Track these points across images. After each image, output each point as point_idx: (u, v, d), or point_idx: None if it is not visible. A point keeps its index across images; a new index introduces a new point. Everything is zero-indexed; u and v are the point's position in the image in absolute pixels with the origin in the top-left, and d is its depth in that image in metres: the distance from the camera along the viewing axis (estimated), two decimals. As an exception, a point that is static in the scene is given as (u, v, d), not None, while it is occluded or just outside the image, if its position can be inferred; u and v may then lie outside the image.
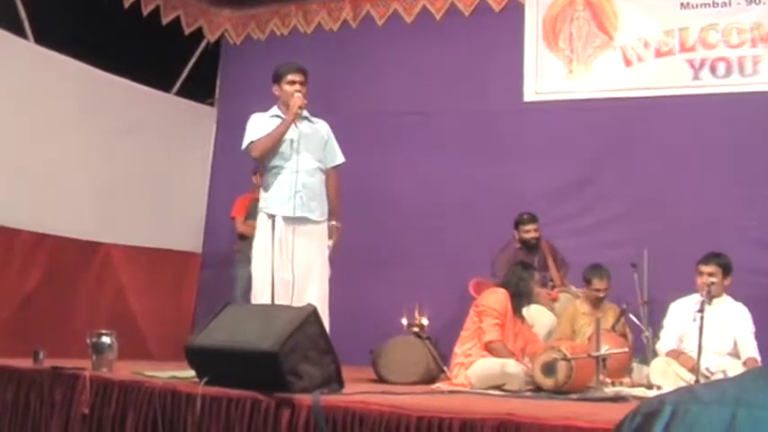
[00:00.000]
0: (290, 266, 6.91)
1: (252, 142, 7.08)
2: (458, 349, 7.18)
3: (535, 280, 7.46)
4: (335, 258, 7.27)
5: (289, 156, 7.07)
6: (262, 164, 7.22)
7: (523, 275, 7.38)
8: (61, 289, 8.97)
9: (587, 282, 8.17)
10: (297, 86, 7.10)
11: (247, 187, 9.50)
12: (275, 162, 7.08)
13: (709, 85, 9.02)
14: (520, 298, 7.31)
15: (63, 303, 8.95)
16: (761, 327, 7.25)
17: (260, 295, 6.91)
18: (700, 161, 8.76)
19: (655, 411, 1.04)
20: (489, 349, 7.02)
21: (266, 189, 7.14)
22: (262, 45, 10.81)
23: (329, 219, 7.25)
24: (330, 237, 7.25)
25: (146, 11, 9.99)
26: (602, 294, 8.12)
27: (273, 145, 7.03)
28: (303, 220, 7.04)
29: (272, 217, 7.04)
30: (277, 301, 6.71)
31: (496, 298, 7.24)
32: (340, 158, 7.43)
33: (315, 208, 7.12)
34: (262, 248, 7.04)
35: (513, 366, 6.76)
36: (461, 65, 9.94)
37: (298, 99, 7.03)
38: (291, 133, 7.06)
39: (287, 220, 7.01)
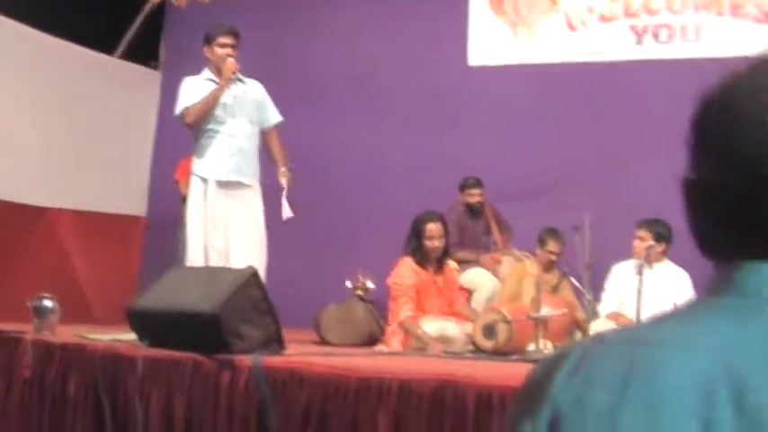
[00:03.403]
0: (222, 231, 6.91)
1: (186, 108, 7.05)
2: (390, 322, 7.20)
3: (430, 230, 7.27)
4: (280, 221, 7.26)
5: (223, 119, 7.06)
6: (195, 128, 7.17)
7: (412, 233, 7.34)
8: (5, 254, 8.89)
9: (542, 243, 8.17)
10: (228, 49, 7.07)
11: (192, 150, 9.45)
12: (209, 125, 7.07)
13: (653, 50, 9.09)
14: (420, 255, 7.25)
15: (6, 268, 8.87)
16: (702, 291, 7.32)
17: (194, 260, 6.92)
18: (642, 126, 8.82)
19: (565, 354, 1.08)
20: (402, 329, 7.01)
21: (200, 153, 7.13)
22: (207, 7, 10.72)
23: (277, 168, 7.22)
24: (281, 181, 7.19)
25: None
26: (554, 257, 8.15)
27: (207, 111, 7.01)
28: (236, 185, 7.04)
29: (205, 181, 7.03)
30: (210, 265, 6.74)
31: (397, 272, 7.20)
32: (277, 117, 7.41)
33: (248, 172, 7.12)
34: (195, 213, 7.04)
35: (452, 329, 6.81)
36: (406, 29, 9.93)
37: (231, 64, 7.00)
38: (225, 97, 7.05)
39: (220, 184, 7.00)
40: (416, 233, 7.23)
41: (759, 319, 0.99)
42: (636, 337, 1.06)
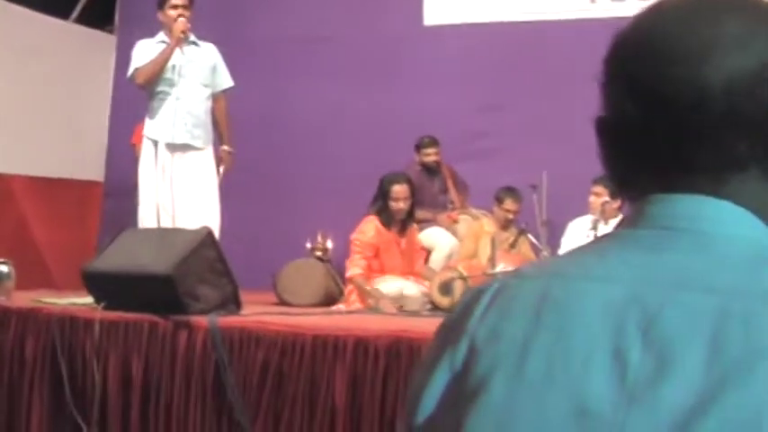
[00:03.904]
0: (171, 193, 6.91)
1: (136, 69, 7.03)
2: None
3: (396, 191, 7.28)
4: (238, 183, 7.27)
5: (174, 81, 7.04)
6: (147, 90, 7.15)
7: (378, 194, 7.36)
8: (-41, 220, 8.85)
9: (499, 201, 8.18)
10: (180, 10, 7.04)
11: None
12: (160, 87, 7.05)
13: (608, 8, 9.10)
14: (385, 215, 7.27)
15: (-39, 234, 8.83)
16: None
17: (146, 222, 6.92)
18: (597, 85, 8.83)
19: (483, 289, 1.09)
20: (352, 284, 7.06)
21: (151, 115, 7.11)
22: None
23: (220, 144, 7.24)
24: (221, 162, 7.25)
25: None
26: (511, 216, 8.18)
27: (157, 71, 6.98)
28: (186, 147, 7.03)
29: (156, 143, 7.02)
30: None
31: (360, 228, 7.24)
32: (228, 82, 7.40)
33: (199, 135, 7.10)
34: (146, 175, 7.04)
35: (410, 288, 6.85)
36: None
37: (180, 23, 6.98)
38: (176, 59, 7.01)
39: (170, 146, 6.99)
40: (383, 194, 7.25)
41: (670, 250, 1.01)
42: (550, 270, 1.09)
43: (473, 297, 1.10)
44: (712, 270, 0.97)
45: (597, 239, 1.12)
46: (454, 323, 1.10)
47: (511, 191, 8.16)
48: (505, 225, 8.17)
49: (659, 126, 1.04)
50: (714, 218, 1.02)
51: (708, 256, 0.99)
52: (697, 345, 0.92)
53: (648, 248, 1.02)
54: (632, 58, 1.08)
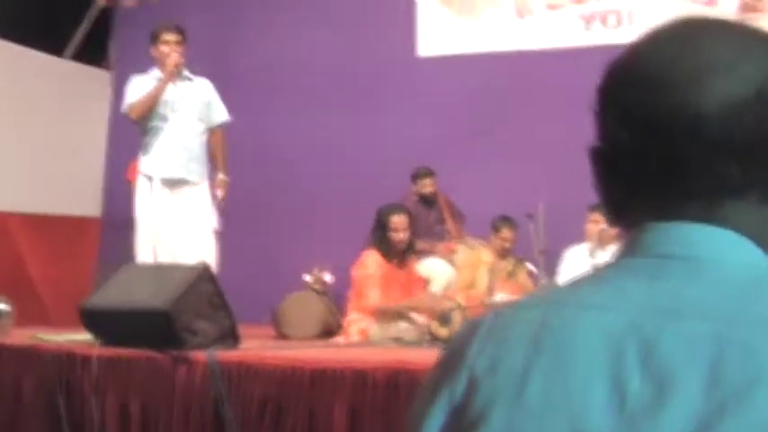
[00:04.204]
0: (170, 229, 6.92)
1: (130, 104, 7.07)
2: (350, 313, 7.19)
3: (395, 222, 7.24)
4: (234, 216, 7.27)
5: (167, 116, 7.07)
6: (141, 125, 7.18)
7: (376, 226, 7.34)
8: (-43, 260, 8.84)
9: (496, 230, 8.21)
10: (172, 46, 7.08)
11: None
12: (154, 123, 7.08)
13: (601, 36, 9.14)
14: (384, 247, 7.23)
15: (-42, 273, 8.81)
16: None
17: (143, 258, 6.92)
18: (592, 113, 8.84)
19: (481, 319, 1.10)
20: (379, 313, 6.99)
21: (145, 150, 7.13)
22: (155, 7, 10.67)
23: (216, 173, 7.26)
24: (217, 189, 7.25)
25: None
26: (508, 245, 8.19)
27: (150, 106, 7.01)
28: (182, 182, 7.04)
29: (150, 178, 7.03)
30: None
31: (362, 262, 7.19)
32: (223, 116, 7.43)
33: (194, 169, 7.12)
34: (142, 211, 7.06)
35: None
36: (354, 19, 9.93)
37: (172, 58, 7.02)
38: (170, 93, 7.05)
39: (165, 181, 7.01)
40: (381, 225, 7.24)
41: (665, 278, 1.01)
42: (547, 300, 1.09)
43: (471, 329, 1.10)
44: (707, 297, 0.98)
45: (594, 270, 1.12)
46: (452, 355, 1.10)
47: (507, 220, 8.18)
48: (503, 254, 8.17)
49: (653, 154, 1.04)
50: (708, 244, 1.02)
51: (702, 283, 0.99)
52: (695, 372, 0.92)
53: (644, 276, 1.02)
54: (625, 86, 1.08)
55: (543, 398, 0.98)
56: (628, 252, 1.07)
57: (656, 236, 1.05)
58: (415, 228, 7.51)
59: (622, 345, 0.97)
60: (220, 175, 7.29)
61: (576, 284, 1.10)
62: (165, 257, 6.87)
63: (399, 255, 7.29)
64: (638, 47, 1.10)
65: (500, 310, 1.10)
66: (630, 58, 1.10)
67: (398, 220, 7.20)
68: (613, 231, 7.47)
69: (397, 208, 7.35)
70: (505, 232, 8.16)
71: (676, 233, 1.03)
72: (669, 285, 1.00)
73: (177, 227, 6.98)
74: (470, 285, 7.97)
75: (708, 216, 1.03)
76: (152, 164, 7.09)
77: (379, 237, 7.23)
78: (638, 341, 0.96)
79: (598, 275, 1.08)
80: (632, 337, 0.97)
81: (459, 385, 1.05)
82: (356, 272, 7.17)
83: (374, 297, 6.99)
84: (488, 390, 1.02)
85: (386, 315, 6.90)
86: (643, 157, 1.05)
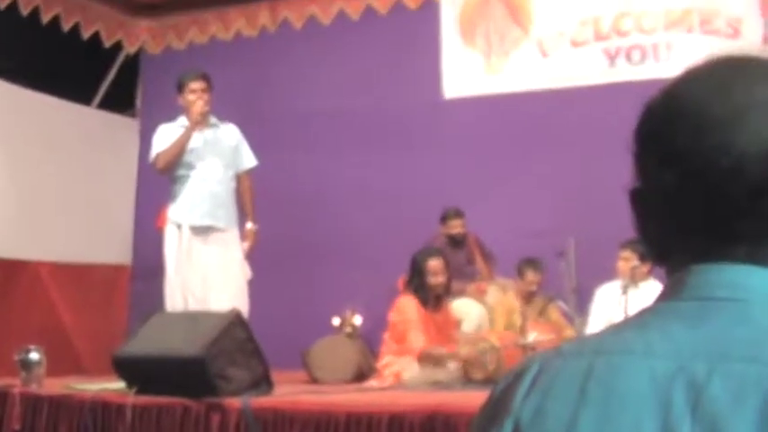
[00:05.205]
0: (200, 276, 6.92)
1: (157, 154, 7.10)
2: (384, 357, 7.16)
3: (432, 266, 7.27)
4: (263, 262, 7.27)
5: (194, 164, 7.09)
6: (168, 174, 7.21)
7: (413, 272, 7.35)
8: (-10, 310, 8.86)
9: (521, 274, 8.20)
10: (198, 93, 7.11)
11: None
12: (181, 171, 7.11)
13: (626, 72, 9.13)
14: (423, 293, 7.22)
15: (-7, 324, 8.84)
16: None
17: (174, 307, 6.93)
18: (620, 148, 8.80)
19: (525, 369, 1.09)
20: (425, 356, 6.94)
21: (173, 198, 7.16)
22: (181, 54, 10.74)
23: (244, 221, 7.27)
24: (245, 239, 7.27)
25: (66, 26, 9.85)
26: (534, 287, 8.16)
27: (177, 155, 7.04)
28: (210, 229, 7.06)
29: (179, 226, 7.05)
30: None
31: (400, 307, 7.19)
32: (251, 162, 7.45)
33: (222, 216, 7.14)
34: (171, 259, 7.07)
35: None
36: (381, 64, 9.96)
37: (198, 106, 7.05)
38: (196, 141, 7.07)
39: (193, 229, 7.02)
40: (418, 271, 7.23)
41: (711, 321, 1.00)
42: (592, 347, 1.07)
43: (515, 376, 1.09)
44: (755, 339, 0.97)
45: (638, 314, 1.11)
46: (497, 403, 1.09)
47: (531, 262, 8.15)
48: (528, 297, 8.13)
49: (695, 195, 1.03)
50: (754, 286, 1.01)
51: (749, 326, 0.98)
52: (746, 416, 0.91)
53: (689, 320, 1.01)
54: (665, 128, 1.08)
55: (592, 446, 0.97)
56: (672, 294, 1.06)
57: (700, 278, 1.04)
58: (450, 270, 7.50)
59: (671, 391, 0.96)
60: (248, 225, 7.30)
61: (619, 330, 1.09)
62: (196, 304, 6.88)
63: (434, 299, 7.27)
64: (676, 87, 1.10)
65: (544, 359, 1.09)
66: (669, 99, 1.10)
67: (435, 264, 7.20)
68: (645, 268, 7.43)
69: (433, 252, 7.37)
70: (530, 275, 8.14)
71: (721, 275, 1.03)
72: (716, 328, 0.99)
73: (207, 273, 6.99)
74: (506, 329, 7.95)
75: (752, 257, 1.02)
76: (180, 211, 7.12)
77: (417, 283, 7.22)
78: (686, 386, 0.95)
79: (641, 320, 1.07)
80: (680, 383, 0.96)
81: None
82: (394, 316, 7.15)
83: (418, 341, 6.96)
84: None
85: (429, 359, 6.86)
86: (685, 198, 1.04)
